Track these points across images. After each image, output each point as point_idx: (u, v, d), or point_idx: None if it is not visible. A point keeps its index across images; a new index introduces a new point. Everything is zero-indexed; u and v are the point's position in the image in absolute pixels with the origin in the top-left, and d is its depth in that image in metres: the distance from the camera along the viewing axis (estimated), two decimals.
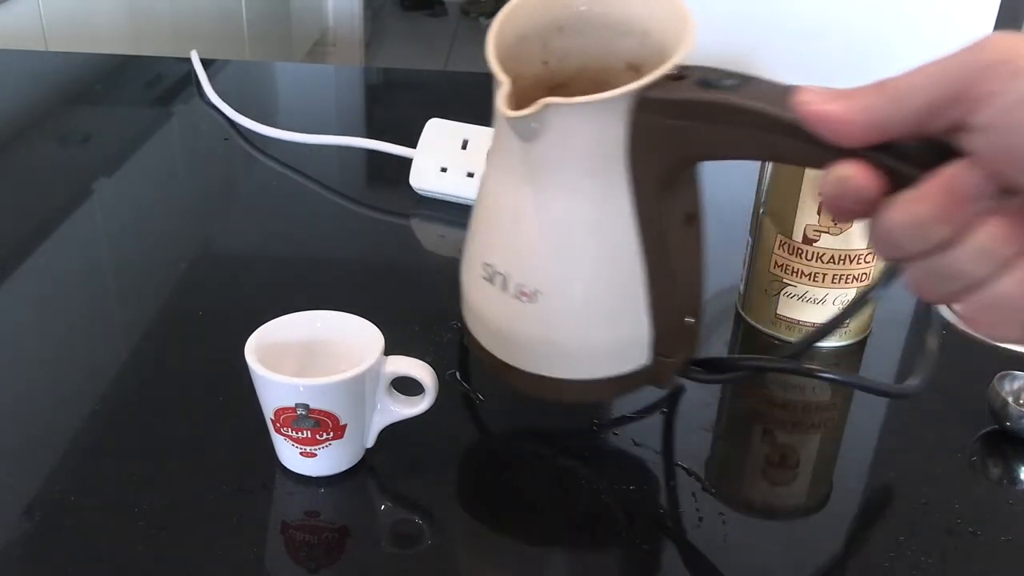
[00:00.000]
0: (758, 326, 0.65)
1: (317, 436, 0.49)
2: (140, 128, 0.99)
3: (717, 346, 0.64)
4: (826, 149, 0.34)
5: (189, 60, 1.13)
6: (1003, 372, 0.57)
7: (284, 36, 3.20)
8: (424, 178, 0.82)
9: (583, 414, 0.58)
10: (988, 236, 0.31)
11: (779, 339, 0.65)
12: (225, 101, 1.01)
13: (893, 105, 0.32)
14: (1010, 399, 0.56)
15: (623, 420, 0.57)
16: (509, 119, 0.42)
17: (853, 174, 0.33)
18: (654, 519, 0.50)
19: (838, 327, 0.56)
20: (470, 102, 0.84)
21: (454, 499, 0.50)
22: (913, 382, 0.55)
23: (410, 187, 0.83)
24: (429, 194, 0.83)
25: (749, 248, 0.66)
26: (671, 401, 0.59)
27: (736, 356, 0.60)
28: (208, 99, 1.03)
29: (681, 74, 0.42)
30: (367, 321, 0.52)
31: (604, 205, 0.45)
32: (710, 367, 0.55)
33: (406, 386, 0.52)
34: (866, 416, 0.59)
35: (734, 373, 0.56)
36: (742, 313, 0.68)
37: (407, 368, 0.50)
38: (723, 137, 0.40)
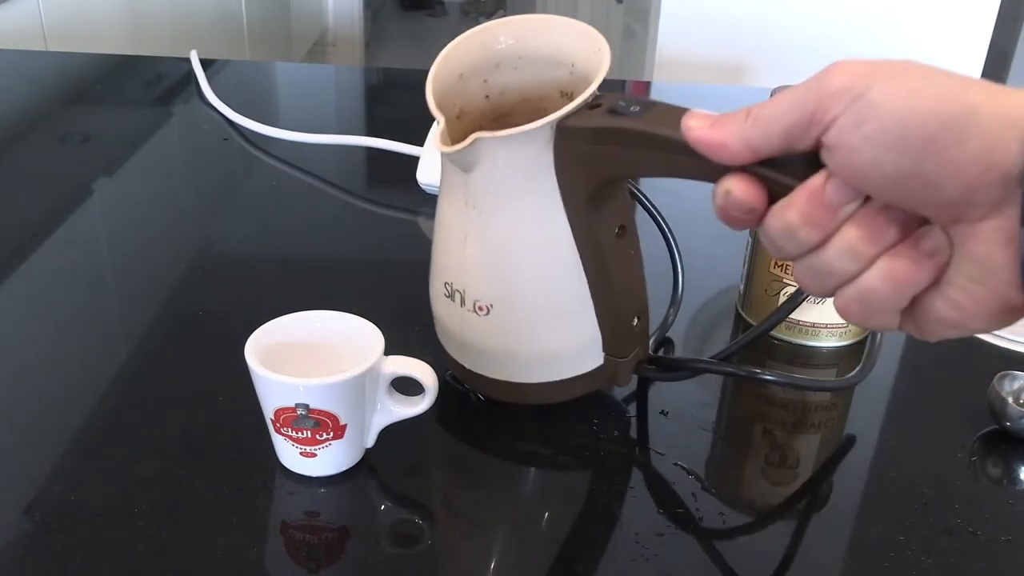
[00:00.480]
0: None
1: (317, 436, 0.49)
2: (140, 128, 0.99)
3: (718, 345, 0.64)
4: (715, 166, 0.37)
5: (188, 60, 1.13)
6: (1003, 372, 0.57)
7: (284, 36, 3.20)
8: (432, 174, 0.82)
9: (583, 414, 0.58)
10: (851, 237, 0.35)
11: (779, 339, 0.65)
12: (225, 101, 1.01)
13: (761, 131, 0.35)
14: (1010, 399, 0.56)
15: (624, 420, 0.57)
16: (445, 154, 0.47)
17: (734, 188, 0.37)
18: (654, 519, 0.50)
19: (778, 323, 0.60)
20: None
21: (454, 499, 0.50)
22: (853, 374, 0.57)
23: (411, 187, 0.83)
24: (435, 190, 0.83)
25: (749, 248, 0.66)
26: (671, 401, 0.59)
27: (687, 358, 0.61)
28: (207, 99, 1.03)
29: (596, 102, 0.45)
30: (367, 321, 0.52)
31: (541, 224, 0.49)
32: (663, 365, 0.59)
33: (406, 386, 0.52)
34: (866, 416, 0.59)
35: (682, 372, 0.59)
36: (742, 313, 0.68)
37: (407, 368, 0.50)
38: (633, 158, 0.44)
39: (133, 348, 0.62)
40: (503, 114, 0.53)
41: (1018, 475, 0.55)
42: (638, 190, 0.66)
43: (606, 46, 0.47)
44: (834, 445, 0.58)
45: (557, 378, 0.54)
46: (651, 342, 0.59)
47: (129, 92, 1.12)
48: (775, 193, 0.36)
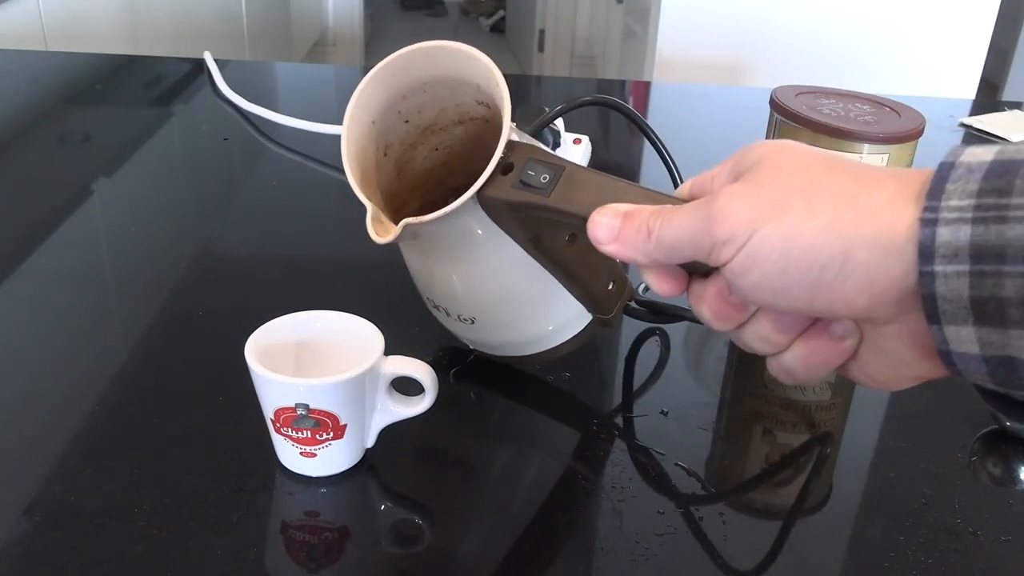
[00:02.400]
0: None
1: (317, 436, 0.49)
2: (140, 128, 0.99)
3: (722, 338, 0.64)
4: None
5: (189, 60, 1.13)
6: None
7: (284, 36, 3.20)
8: None
9: (583, 414, 0.58)
10: (762, 328, 0.37)
11: None
12: (231, 100, 1.01)
13: (664, 255, 0.37)
14: None
15: (624, 420, 0.57)
16: (380, 244, 0.47)
17: (651, 282, 0.39)
18: (654, 519, 0.50)
19: None
20: None
21: (454, 499, 0.50)
22: None
23: None
24: None
25: None
26: (671, 401, 0.59)
27: (671, 304, 0.62)
28: (222, 95, 1.04)
29: (510, 161, 0.46)
30: (367, 321, 0.52)
31: (496, 257, 0.51)
32: (649, 309, 0.62)
33: (406, 386, 0.52)
34: (866, 416, 0.59)
35: (665, 316, 0.62)
36: None
37: (407, 368, 0.50)
38: (550, 223, 0.45)
39: (133, 348, 0.62)
40: (428, 127, 0.53)
41: (1018, 475, 0.55)
42: (650, 131, 0.68)
43: (499, 78, 0.46)
44: (834, 445, 0.58)
45: (554, 345, 0.57)
46: (641, 287, 0.64)
47: (129, 92, 1.12)
48: (692, 275, 0.39)
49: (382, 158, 0.52)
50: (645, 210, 0.38)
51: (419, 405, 0.52)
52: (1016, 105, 1.20)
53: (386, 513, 0.50)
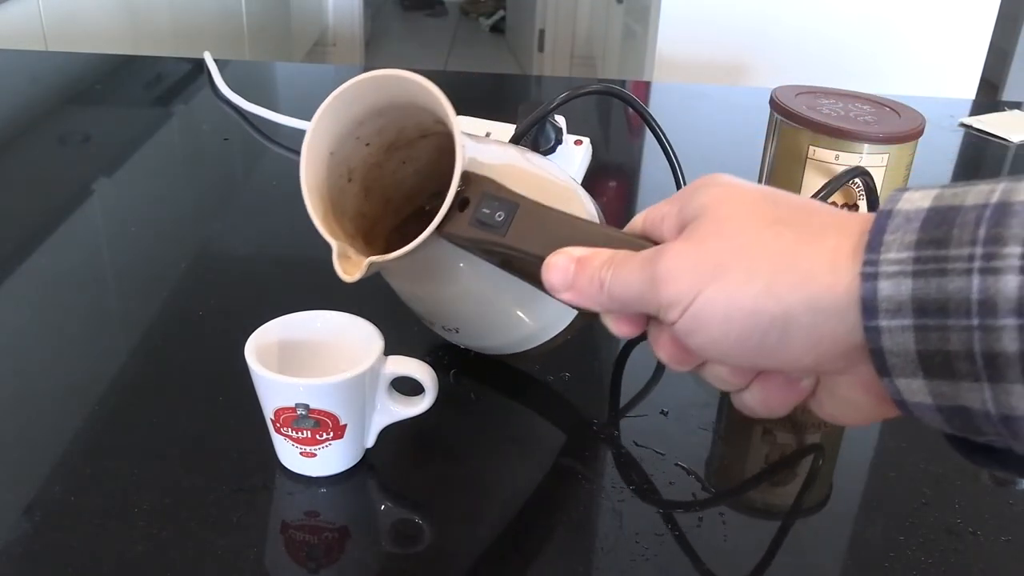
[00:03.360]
0: None
1: (317, 436, 0.49)
2: (140, 128, 0.99)
3: None
4: None
5: (189, 60, 1.13)
6: None
7: (284, 36, 3.20)
8: None
9: (583, 414, 0.58)
10: (718, 371, 0.38)
11: None
12: (233, 101, 1.01)
13: (619, 307, 0.38)
14: None
15: (623, 420, 0.57)
16: (350, 283, 0.47)
17: (610, 325, 0.40)
18: (654, 519, 0.50)
19: None
20: (470, 101, 0.84)
21: (454, 499, 0.50)
22: None
23: None
24: None
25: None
26: (671, 401, 0.59)
27: None
28: (222, 95, 1.04)
29: (466, 196, 0.45)
30: (367, 321, 0.52)
31: (468, 274, 0.51)
32: None
33: (406, 386, 0.52)
34: None
35: None
36: None
37: (407, 368, 0.50)
38: (509, 259, 0.45)
39: (133, 348, 0.62)
40: (390, 145, 0.53)
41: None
42: (653, 121, 0.67)
43: (448, 109, 0.45)
44: (834, 445, 0.58)
45: (544, 340, 0.57)
46: None
47: (129, 92, 1.12)
48: (650, 318, 0.39)
49: (347, 184, 0.51)
50: (597, 258, 0.38)
51: (419, 405, 0.52)
52: (1016, 105, 1.20)
53: (386, 513, 0.50)
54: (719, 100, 1.22)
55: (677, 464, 0.53)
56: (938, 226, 0.29)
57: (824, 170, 0.67)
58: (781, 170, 0.70)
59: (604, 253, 0.38)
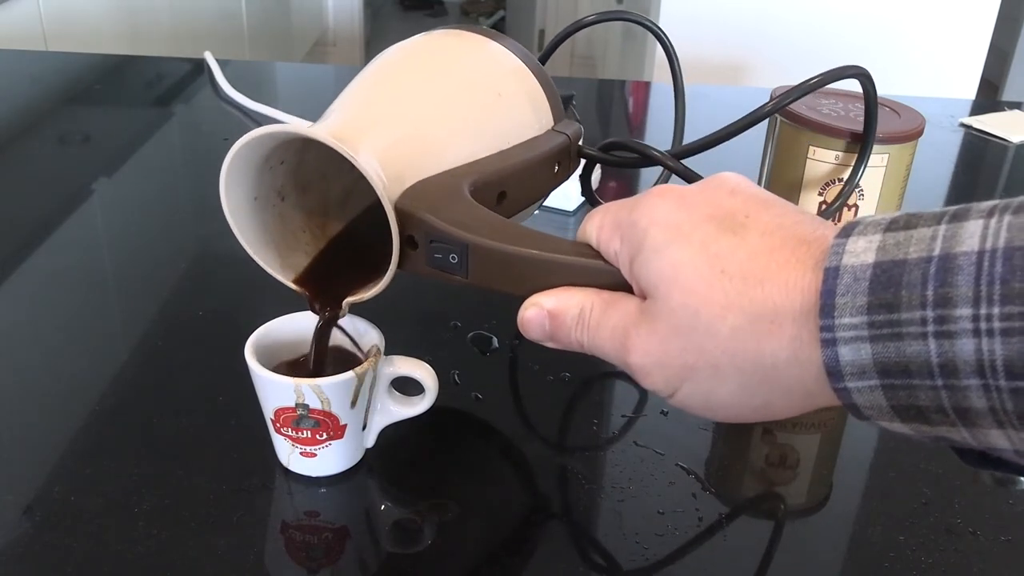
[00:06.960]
0: None
1: (317, 436, 0.49)
2: (140, 128, 0.99)
3: None
4: None
5: (189, 60, 1.13)
6: None
7: (284, 36, 3.20)
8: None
9: (583, 414, 0.58)
10: None
11: None
12: (237, 100, 1.01)
13: (599, 354, 0.40)
14: None
15: (624, 420, 0.57)
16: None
17: None
18: (654, 519, 0.50)
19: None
20: None
21: (454, 499, 0.50)
22: None
23: None
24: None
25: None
26: None
27: None
28: (224, 94, 1.04)
29: (409, 234, 0.43)
30: (367, 321, 0.52)
31: None
32: None
33: (406, 386, 0.52)
34: None
35: None
36: None
37: (407, 368, 0.50)
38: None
39: (133, 348, 0.62)
40: (320, 174, 0.50)
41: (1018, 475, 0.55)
42: (667, 41, 0.70)
43: (345, 151, 0.42)
44: (834, 445, 0.58)
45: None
46: None
47: (129, 92, 1.12)
48: None
49: (281, 203, 0.49)
50: (568, 314, 0.39)
51: (419, 405, 0.52)
52: (1016, 105, 1.20)
53: (386, 513, 0.50)
54: (719, 100, 1.22)
55: (677, 464, 0.53)
56: (886, 288, 0.29)
57: (824, 170, 0.67)
58: (781, 170, 0.70)
59: (572, 309, 0.39)
